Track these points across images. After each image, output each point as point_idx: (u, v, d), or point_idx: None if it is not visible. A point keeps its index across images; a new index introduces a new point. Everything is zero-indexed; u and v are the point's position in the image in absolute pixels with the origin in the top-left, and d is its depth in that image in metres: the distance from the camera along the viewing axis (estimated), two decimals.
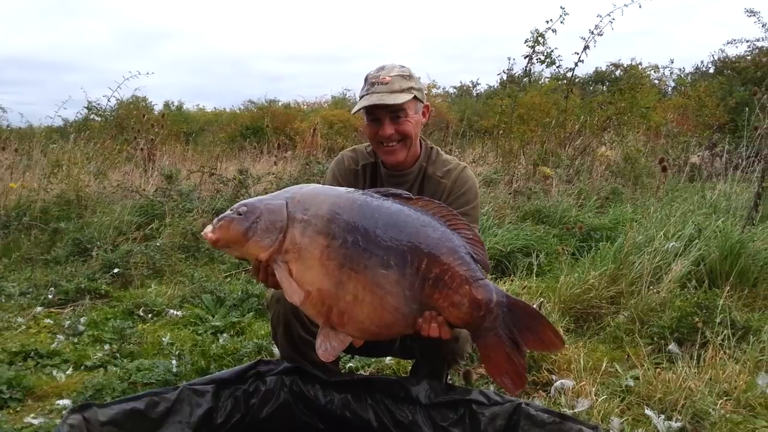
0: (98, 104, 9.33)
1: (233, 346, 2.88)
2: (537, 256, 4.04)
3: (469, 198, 2.02)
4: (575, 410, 2.12)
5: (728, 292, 3.09)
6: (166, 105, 20.84)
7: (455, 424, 1.78)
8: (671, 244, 3.46)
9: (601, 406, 2.14)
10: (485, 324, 1.49)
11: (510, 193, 5.64)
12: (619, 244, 3.62)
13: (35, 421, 2.18)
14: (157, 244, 4.88)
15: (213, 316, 3.50)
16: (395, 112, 1.92)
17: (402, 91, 1.91)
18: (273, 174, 6.65)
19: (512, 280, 3.63)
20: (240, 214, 1.53)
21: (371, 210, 1.53)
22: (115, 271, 4.41)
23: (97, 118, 10.77)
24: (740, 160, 9.02)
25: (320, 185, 1.72)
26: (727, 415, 2.09)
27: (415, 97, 1.95)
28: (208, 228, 1.56)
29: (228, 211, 1.57)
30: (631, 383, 2.36)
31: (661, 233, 3.57)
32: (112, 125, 10.21)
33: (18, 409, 2.34)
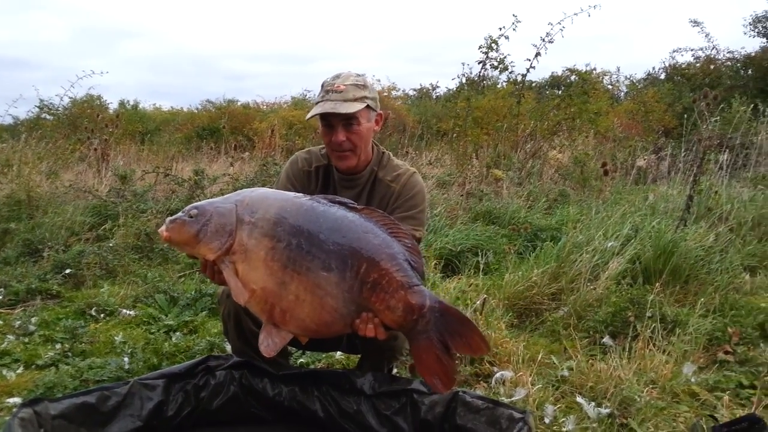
0: (50, 103, 9.14)
1: (186, 344, 2.92)
2: (485, 255, 4.20)
3: (416, 202, 2.12)
4: (512, 399, 2.25)
5: (661, 288, 3.29)
6: (122, 104, 20.42)
7: (397, 412, 1.89)
8: (609, 243, 3.65)
9: (536, 395, 2.27)
10: (418, 327, 1.60)
11: (462, 195, 5.79)
12: (562, 243, 3.79)
13: None
14: (110, 244, 4.86)
15: (166, 316, 3.53)
16: (348, 120, 2.01)
17: (355, 99, 2.01)
18: (229, 175, 6.64)
19: (460, 278, 3.76)
20: (191, 217, 1.61)
21: (316, 215, 1.62)
22: (67, 271, 4.37)
23: (49, 117, 10.55)
24: (681, 164, 9.43)
25: (271, 189, 1.80)
26: (652, 402, 2.24)
27: (368, 106, 2.04)
28: (162, 228, 1.65)
29: (180, 213, 1.65)
30: (566, 373, 2.50)
31: (601, 233, 3.76)
32: (65, 124, 10.02)
33: None
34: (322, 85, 2.09)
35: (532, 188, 6.58)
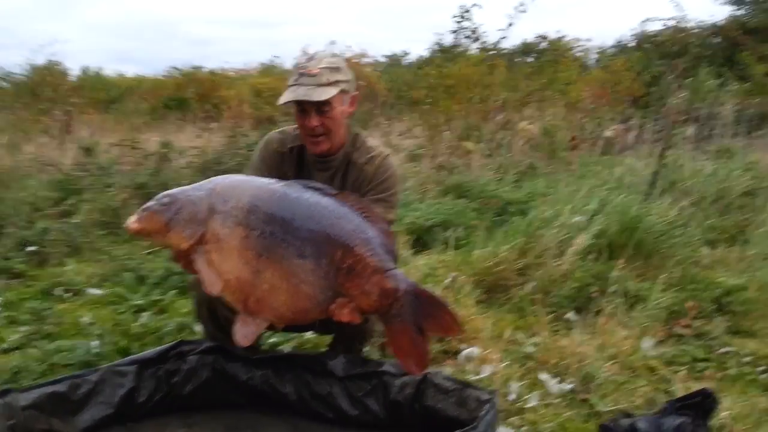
0: (9, 72, 8.82)
1: (155, 325, 2.91)
2: (455, 230, 4.24)
3: (390, 185, 2.13)
4: (480, 376, 2.32)
5: (625, 263, 3.39)
6: (84, 71, 19.78)
7: (369, 394, 1.94)
8: (576, 218, 3.71)
9: (503, 372, 2.34)
10: (393, 311, 1.63)
11: (433, 168, 5.81)
12: (530, 218, 3.85)
13: None
14: (76, 220, 4.78)
15: (134, 295, 3.50)
16: (321, 105, 1.99)
17: (329, 84, 1.97)
18: (197, 148, 6.52)
19: (430, 255, 3.80)
20: (163, 205, 1.59)
21: (290, 202, 1.62)
22: (31, 248, 4.29)
23: (4, 84, 10.19)
24: (648, 135, 9.59)
25: (243, 176, 1.79)
26: (612, 377, 2.33)
27: (341, 90, 2.01)
28: (132, 218, 1.61)
29: (151, 202, 1.62)
30: (532, 350, 2.58)
31: (568, 207, 3.82)
32: (25, 92, 9.69)
33: None
34: (296, 66, 2.05)
35: (502, 160, 6.63)
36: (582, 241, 3.34)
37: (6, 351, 2.73)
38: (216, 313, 2.02)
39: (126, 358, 1.97)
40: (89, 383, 1.84)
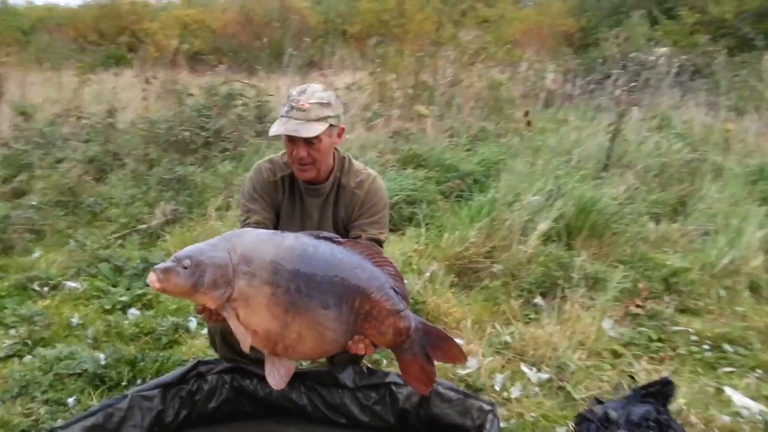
0: None
1: (148, 325, 3.00)
2: (420, 206, 4.45)
3: (380, 207, 2.27)
4: (467, 370, 2.56)
5: (581, 244, 3.69)
6: None
7: (378, 402, 2.14)
8: (534, 199, 3.97)
9: (487, 365, 2.59)
10: (404, 346, 1.82)
11: (390, 136, 5.93)
12: (492, 198, 4.09)
13: None
14: (32, 202, 4.68)
15: (114, 287, 3.54)
16: (310, 138, 2.09)
17: (318, 119, 2.07)
18: (147, 119, 6.29)
19: (401, 236, 3.99)
20: (185, 268, 1.65)
21: (309, 257, 1.74)
22: None
23: None
24: (589, 84, 9.93)
25: (256, 232, 1.86)
26: (583, 365, 2.63)
27: (330, 125, 2.12)
28: (153, 276, 1.65)
29: (170, 263, 1.67)
30: (509, 339, 2.85)
31: (526, 187, 4.08)
32: None
33: None
34: (287, 98, 2.14)
35: (453, 123, 6.80)
36: (544, 226, 3.59)
37: (2, 359, 2.77)
38: (230, 339, 2.15)
39: (150, 383, 2.09)
40: (121, 411, 1.96)
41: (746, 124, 6.36)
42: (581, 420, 2.29)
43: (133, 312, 3.22)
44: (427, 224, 4.08)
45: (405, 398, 2.12)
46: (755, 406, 2.34)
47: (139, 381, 2.51)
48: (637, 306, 3.20)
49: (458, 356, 1.88)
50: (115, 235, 4.29)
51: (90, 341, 2.91)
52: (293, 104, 2.08)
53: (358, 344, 1.81)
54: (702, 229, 4.01)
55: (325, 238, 1.83)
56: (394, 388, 2.13)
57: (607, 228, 3.85)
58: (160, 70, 10.82)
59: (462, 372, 2.56)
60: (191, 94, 7.73)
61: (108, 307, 3.29)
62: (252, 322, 1.71)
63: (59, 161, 5.41)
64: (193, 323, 3.04)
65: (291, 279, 1.71)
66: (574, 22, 18.64)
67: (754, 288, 3.40)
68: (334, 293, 1.74)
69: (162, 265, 1.68)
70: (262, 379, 2.13)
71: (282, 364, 1.78)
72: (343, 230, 2.28)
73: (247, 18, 20.35)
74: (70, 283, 3.56)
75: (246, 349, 1.71)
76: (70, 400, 2.39)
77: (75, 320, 3.11)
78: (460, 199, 4.64)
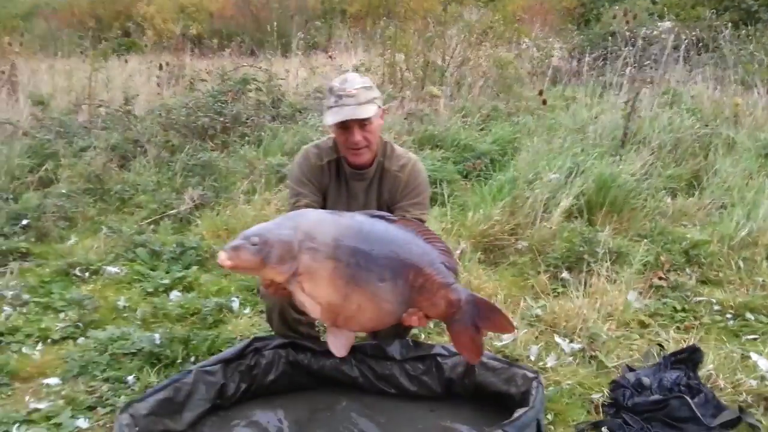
0: None
1: (193, 306, 3.13)
2: (441, 185, 4.56)
3: (422, 189, 2.41)
4: (504, 342, 2.70)
5: (602, 219, 3.81)
6: None
7: (425, 373, 2.28)
8: (554, 176, 4.08)
9: (521, 338, 2.73)
10: (456, 317, 1.95)
11: (405, 118, 6.01)
12: (512, 176, 4.20)
13: (40, 406, 2.37)
14: (62, 190, 4.79)
15: (153, 271, 3.67)
16: (363, 121, 2.20)
17: (368, 102, 2.20)
18: (163, 107, 6.37)
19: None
20: (254, 245, 1.78)
21: (366, 234, 1.87)
22: (24, 222, 4.33)
23: None
24: (596, 61, 9.94)
25: (318, 212, 2.00)
26: (613, 335, 2.76)
27: (377, 106, 2.24)
28: (223, 255, 1.77)
29: (240, 240, 1.80)
30: (540, 312, 2.98)
31: (546, 165, 4.19)
32: None
33: (10, 393, 2.50)
34: (332, 90, 2.25)
35: (465, 103, 6.88)
36: (566, 203, 3.71)
37: (57, 342, 2.90)
38: (286, 316, 2.31)
39: (211, 359, 2.23)
40: (187, 385, 2.10)
41: (754, 98, 6.44)
42: (616, 386, 2.43)
43: (176, 294, 3.35)
44: (450, 203, 4.19)
45: (451, 368, 2.26)
46: None
47: (192, 358, 2.65)
48: (660, 278, 3.33)
49: (507, 326, 2.01)
50: (147, 221, 4.41)
51: (139, 322, 3.04)
52: (341, 93, 2.20)
53: (412, 316, 1.94)
54: (718, 203, 4.12)
55: (379, 217, 1.95)
56: (439, 359, 2.27)
57: (627, 204, 3.97)
58: (166, 56, 10.88)
59: (499, 344, 2.70)
60: (204, 80, 7.82)
61: (150, 290, 3.42)
62: (316, 295, 1.84)
63: (83, 149, 5.51)
64: (236, 303, 3.17)
65: (351, 254, 1.83)
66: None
67: None
68: (390, 267, 1.87)
69: (231, 243, 1.81)
70: (316, 353, 2.29)
71: (343, 334, 1.91)
72: (387, 212, 2.39)
73: (244, 0, 20.28)
74: (110, 268, 3.68)
75: (316, 315, 1.84)
76: (130, 378, 2.52)
77: (121, 303, 3.24)
78: (479, 178, 4.74)
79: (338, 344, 1.91)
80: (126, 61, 9.63)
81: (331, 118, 2.21)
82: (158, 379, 2.51)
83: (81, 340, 2.89)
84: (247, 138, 5.94)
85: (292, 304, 2.26)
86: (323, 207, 2.41)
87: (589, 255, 3.31)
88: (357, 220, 1.92)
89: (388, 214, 1.99)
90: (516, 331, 2.75)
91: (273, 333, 2.42)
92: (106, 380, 2.54)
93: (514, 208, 3.87)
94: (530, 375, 2.12)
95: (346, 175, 2.40)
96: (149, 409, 1.96)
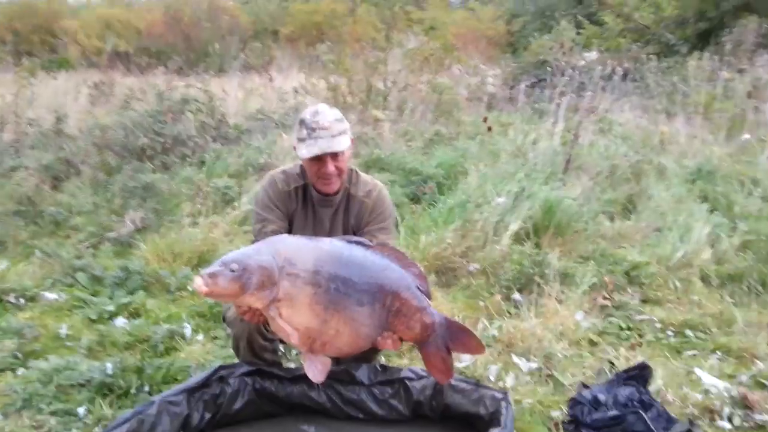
0: None
1: (142, 333, 3.02)
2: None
3: (388, 214, 2.45)
4: (464, 363, 2.74)
5: (548, 242, 3.95)
6: None
7: (393, 396, 2.28)
8: (501, 200, 4.20)
9: (481, 358, 2.77)
10: (429, 339, 1.98)
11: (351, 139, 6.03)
12: (463, 200, 4.30)
13: None
14: None
15: (94, 296, 3.51)
16: (337, 153, 2.22)
17: (340, 134, 2.23)
18: (95, 125, 6.15)
19: None
20: (233, 271, 1.75)
21: (345, 259, 1.88)
22: None
23: None
24: (531, 88, 10.32)
25: (296, 238, 1.98)
26: (566, 354, 2.86)
27: (350, 137, 2.26)
28: (199, 281, 1.72)
29: (218, 267, 1.75)
30: (496, 333, 3.04)
31: (493, 190, 4.31)
32: None
33: None
34: (303, 122, 2.25)
35: (408, 127, 7.00)
36: (515, 226, 3.83)
37: None
38: (253, 344, 2.27)
39: (174, 389, 2.14)
40: (151, 416, 2.01)
41: (678, 127, 6.86)
42: (574, 404, 2.51)
43: (122, 321, 3.22)
44: (402, 226, 4.24)
45: (419, 391, 2.27)
46: (721, 384, 2.62)
47: (146, 388, 2.55)
48: (605, 298, 3.47)
49: (477, 347, 2.05)
50: (85, 244, 4.22)
51: (84, 351, 2.90)
52: (314, 126, 2.21)
53: (386, 340, 1.95)
54: (653, 226, 4.35)
55: (356, 242, 1.96)
56: (408, 382, 2.28)
57: (570, 227, 4.13)
58: (94, 74, 10.53)
59: (460, 365, 2.73)
60: (139, 99, 7.62)
61: (94, 317, 3.27)
62: (294, 321, 1.82)
63: (13, 169, 5.24)
64: (188, 329, 3.08)
65: (330, 279, 1.83)
66: (503, 26, 19.41)
67: (704, 279, 3.75)
68: (369, 292, 1.88)
69: (209, 269, 1.76)
70: (282, 379, 2.26)
71: (319, 360, 1.90)
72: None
73: (174, 18, 19.95)
74: (48, 294, 3.51)
75: (293, 341, 1.81)
76: (81, 410, 2.40)
77: (63, 331, 3.08)
78: (428, 202, 4.82)
79: (315, 370, 1.89)
80: (55, 78, 9.23)
81: (307, 151, 2.21)
82: (113, 410, 2.40)
83: (21, 371, 2.73)
84: (188, 159, 5.82)
85: (260, 331, 2.23)
86: (289, 233, 2.39)
87: (539, 277, 3.41)
88: (336, 246, 1.93)
89: (365, 240, 2.01)
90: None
91: (236, 360, 2.36)
92: (54, 413, 2.40)
93: (465, 231, 3.95)
94: (498, 396, 2.17)
95: (313, 201, 2.40)
96: None
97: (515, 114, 8.86)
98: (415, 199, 4.96)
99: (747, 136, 6.20)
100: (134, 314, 3.32)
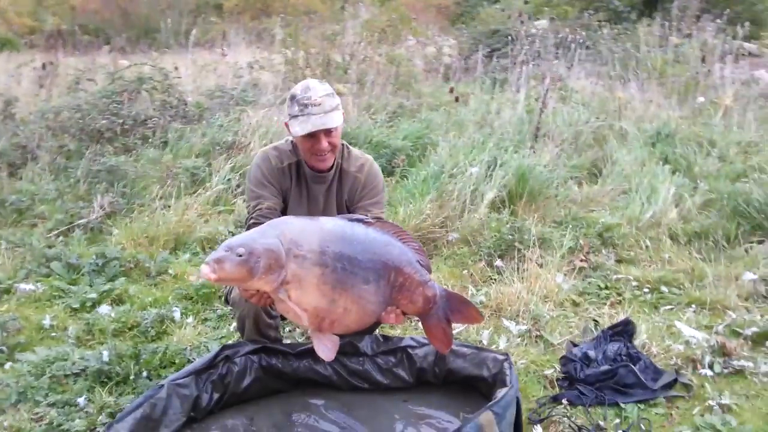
0: None
1: (130, 319, 2.98)
2: None
3: (380, 189, 2.47)
4: (457, 330, 2.81)
5: (522, 209, 4.05)
6: None
7: (396, 365, 2.34)
8: (474, 169, 4.27)
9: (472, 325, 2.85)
10: (431, 312, 2.02)
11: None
12: (437, 171, 4.35)
13: None
14: None
15: (72, 285, 3.43)
16: (330, 129, 2.21)
17: (333, 109, 2.22)
18: (48, 108, 5.91)
19: None
20: (240, 256, 1.74)
21: (349, 238, 1.90)
22: None
23: None
24: (488, 57, 10.41)
25: (300, 219, 1.98)
26: (552, 315, 2.97)
27: (341, 112, 2.26)
28: (206, 269, 1.71)
29: (223, 252, 1.74)
30: (483, 299, 3.13)
31: (465, 160, 4.37)
32: None
33: None
34: (294, 98, 2.24)
35: (371, 101, 6.98)
36: (491, 194, 3.90)
37: None
38: (259, 323, 2.27)
39: (181, 371, 2.14)
40: (162, 400, 2.01)
41: (632, 92, 7.06)
42: (566, 361, 2.62)
43: (106, 308, 3.15)
44: None
45: (422, 358, 2.33)
46: (700, 335, 2.78)
47: (144, 373, 2.53)
48: (582, 260, 3.60)
49: (476, 317, 2.11)
50: (54, 233, 4.10)
51: (73, 341, 2.85)
52: (306, 102, 2.19)
53: (390, 314, 1.99)
54: (619, 189, 4.51)
55: (357, 220, 1.98)
56: (410, 350, 2.34)
57: (542, 193, 4.24)
58: (36, 54, 10.05)
59: (453, 331, 2.80)
60: (90, 80, 7.33)
61: (76, 306, 3.20)
62: (303, 302, 1.83)
63: None
64: (177, 313, 3.05)
65: (336, 259, 1.85)
66: None
67: (673, 237, 3.92)
68: (373, 269, 1.91)
69: (214, 255, 1.75)
70: (287, 355, 2.28)
71: (328, 339, 1.92)
72: (347, 212, 2.42)
73: None
74: (24, 285, 3.39)
75: (302, 321, 1.83)
76: (80, 400, 2.36)
77: (47, 322, 3.01)
78: (400, 175, 4.85)
79: (325, 348, 1.91)
80: None
81: (300, 128, 2.20)
82: (113, 397, 2.37)
83: (9, 365, 2.66)
84: (150, 140, 5.66)
85: (266, 310, 2.24)
86: (284, 209, 2.39)
87: (519, 242, 3.51)
88: (338, 225, 1.94)
89: (365, 217, 2.02)
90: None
91: (232, 340, 2.37)
92: (52, 405, 2.36)
93: (442, 201, 4.01)
94: (500, 357, 2.24)
95: (307, 177, 2.40)
96: (129, 428, 1.86)
97: (473, 84, 8.93)
98: (388, 172, 4.97)
99: (701, 99, 6.43)
100: (117, 301, 3.26)
